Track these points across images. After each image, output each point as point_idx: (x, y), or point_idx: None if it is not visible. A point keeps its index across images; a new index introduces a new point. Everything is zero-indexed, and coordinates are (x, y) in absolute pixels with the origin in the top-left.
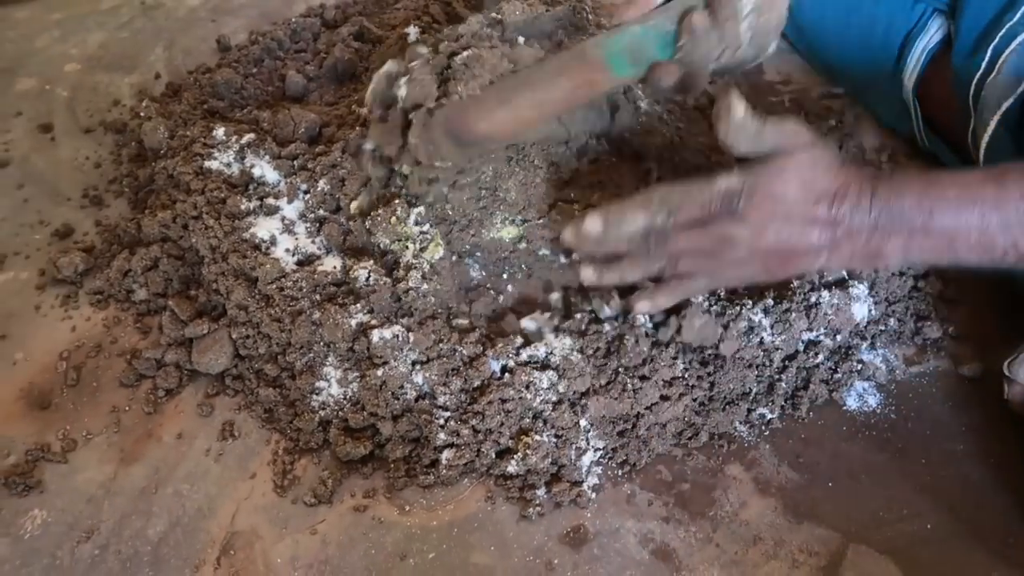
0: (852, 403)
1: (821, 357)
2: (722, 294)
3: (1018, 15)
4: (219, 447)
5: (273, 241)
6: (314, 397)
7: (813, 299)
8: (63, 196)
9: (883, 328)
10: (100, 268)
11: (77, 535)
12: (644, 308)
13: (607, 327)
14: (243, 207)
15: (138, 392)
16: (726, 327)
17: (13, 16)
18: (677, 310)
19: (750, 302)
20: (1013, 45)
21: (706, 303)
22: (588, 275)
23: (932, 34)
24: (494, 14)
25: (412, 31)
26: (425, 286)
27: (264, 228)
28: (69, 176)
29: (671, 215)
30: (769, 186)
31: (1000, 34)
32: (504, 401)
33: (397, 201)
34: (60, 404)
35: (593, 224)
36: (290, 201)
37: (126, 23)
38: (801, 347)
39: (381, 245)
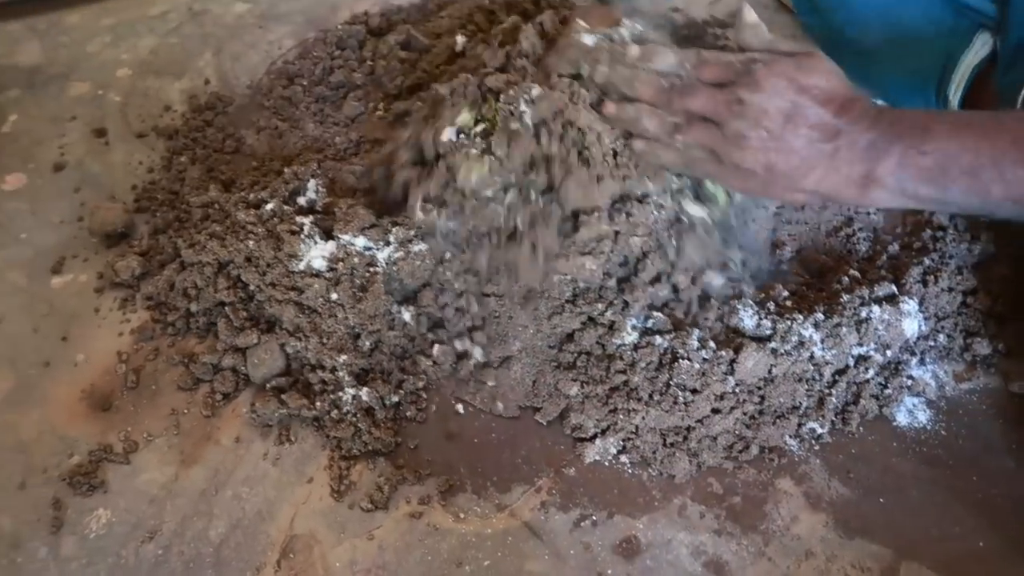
0: (902, 419)
1: (871, 372)
2: (772, 308)
3: None
4: (276, 451)
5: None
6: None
7: (864, 314)
8: (118, 200)
9: (933, 344)
10: (153, 272)
11: (141, 535)
12: (641, 148)
13: (659, 340)
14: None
15: (196, 396)
16: (776, 353)
17: (65, 21)
18: (735, 347)
19: (801, 317)
20: None
21: (756, 319)
22: (609, 107)
23: (978, 50)
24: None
25: (460, 40)
26: None
27: (318, 256)
28: (123, 180)
29: (697, 66)
30: (788, 67)
31: None
32: None
33: None
34: (121, 406)
35: (632, 49)
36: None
37: (175, 28)
38: (851, 362)
39: None
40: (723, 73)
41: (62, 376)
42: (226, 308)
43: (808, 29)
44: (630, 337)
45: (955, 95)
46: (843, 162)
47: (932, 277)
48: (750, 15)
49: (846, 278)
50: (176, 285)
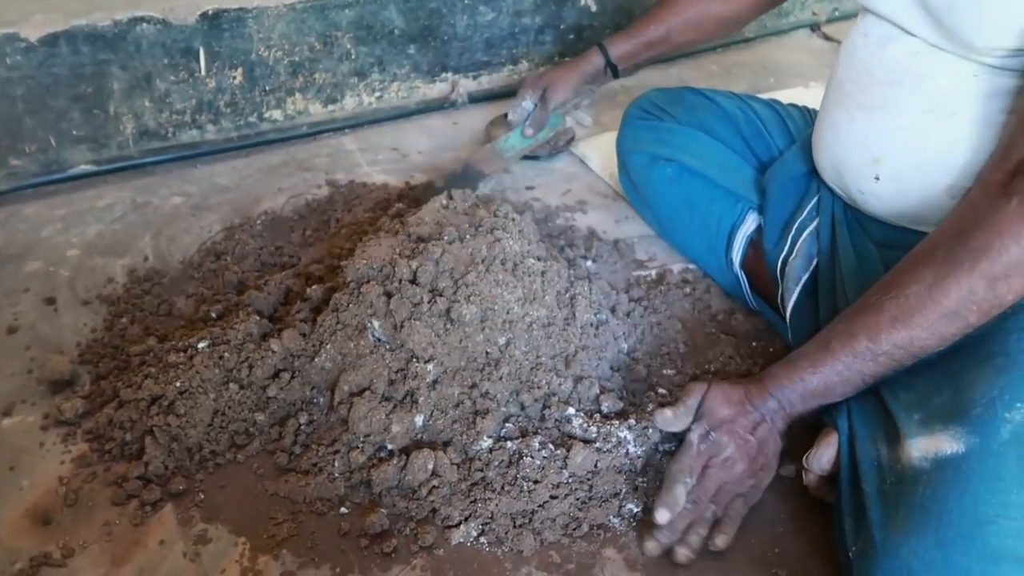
0: None
1: None
2: (597, 418)
3: (804, 214)
4: (195, 550)
5: None
6: None
7: None
8: (65, 355)
9: None
10: (94, 412)
11: None
12: (724, 543)
13: (510, 444)
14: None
15: (127, 508)
16: (599, 451)
17: (23, 211)
18: (568, 447)
19: (618, 422)
20: (804, 235)
21: (584, 426)
22: (683, 553)
23: (749, 225)
24: None
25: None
26: None
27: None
28: (70, 339)
29: (690, 476)
30: (711, 415)
31: (795, 226)
32: None
33: None
34: (60, 521)
35: (661, 515)
36: None
37: (119, 217)
38: (658, 457)
39: None
40: (700, 459)
41: (8, 499)
42: (154, 430)
43: (635, 208)
44: (486, 443)
45: (736, 257)
46: (779, 423)
47: None
48: (664, 415)
49: (653, 394)
50: (114, 420)
